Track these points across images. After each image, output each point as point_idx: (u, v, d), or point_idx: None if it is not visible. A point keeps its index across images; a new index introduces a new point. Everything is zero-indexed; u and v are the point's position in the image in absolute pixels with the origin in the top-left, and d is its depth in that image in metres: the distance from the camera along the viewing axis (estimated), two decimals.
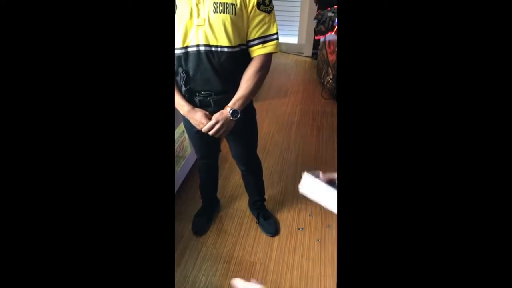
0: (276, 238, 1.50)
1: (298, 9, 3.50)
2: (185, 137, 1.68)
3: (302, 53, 3.70)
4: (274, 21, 1.02)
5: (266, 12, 0.99)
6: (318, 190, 0.59)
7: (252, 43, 1.02)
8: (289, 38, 3.71)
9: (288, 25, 3.62)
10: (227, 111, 1.02)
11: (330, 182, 0.61)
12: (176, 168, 1.62)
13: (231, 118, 1.03)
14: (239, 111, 1.03)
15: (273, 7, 1.01)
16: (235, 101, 1.02)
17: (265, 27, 1.00)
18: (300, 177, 0.62)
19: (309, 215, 1.62)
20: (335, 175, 0.62)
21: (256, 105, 1.24)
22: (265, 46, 1.02)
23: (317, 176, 0.61)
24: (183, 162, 1.69)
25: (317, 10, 3.11)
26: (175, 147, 1.59)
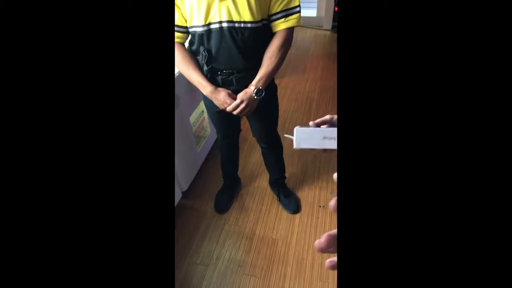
0: (298, 215, 1.52)
1: None
2: (204, 117, 1.68)
3: (322, 27, 3.55)
4: None
5: None
6: (312, 137, 0.55)
7: (274, 17, 0.98)
8: (307, 10, 3.55)
9: None
10: (251, 90, 1.01)
11: (322, 124, 0.58)
12: (197, 147, 1.64)
13: (255, 97, 1.01)
14: (263, 89, 1.01)
15: None
16: (259, 79, 1.00)
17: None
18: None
19: (331, 193, 1.62)
20: (326, 117, 0.58)
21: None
22: (287, 20, 0.98)
23: (307, 127, 0.58)
24: (204, 142, 1.71)
25: None
26: (195, 128, 1.60)
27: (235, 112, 1.04)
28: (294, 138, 0.56)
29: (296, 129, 0.56)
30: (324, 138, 0.54)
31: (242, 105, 1.02)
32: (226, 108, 1.04)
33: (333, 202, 0.33)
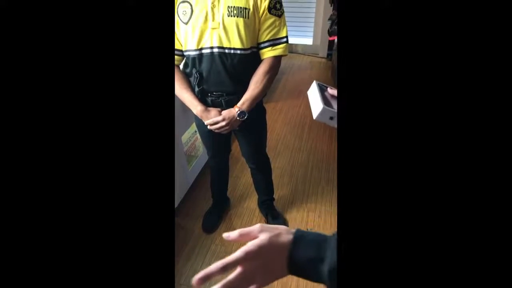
0: None
1: (313, 9, 3.50)
2: (197, 137, 1.72)
3: (317, 54, 3.69)
4: (284, 24, 1.05)
5: (276, 16, 1.01)
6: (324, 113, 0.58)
7: (262, 45, 1.04)
8: (304, 39, 3.70)
9: (303, 26, 3.62)
10: (235, 111, 1.06)
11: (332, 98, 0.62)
12: (188, 167, 1.67)
13: (237, 118, 1.06)
14: (246, 112, 1.06)
15: (284, 11, 1.03)
16: (243, 101, 1.06)
17: (275, 30, 1.02)
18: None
19: (319, 216, 1.62)
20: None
21: (269, 106, 1.26)
22: (275, 49, 1.04)
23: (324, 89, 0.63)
24: (195, 161, 1.74)
25: (332, 10, 3.10)
26: (187, 147, 1.63)
27: (213, 127, 1.08)
28: (313, 101, 0.60)
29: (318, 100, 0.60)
30: (331, 118, 0.59)
31: (223, 123, 1.06)
32: (214, 127, 1.08)
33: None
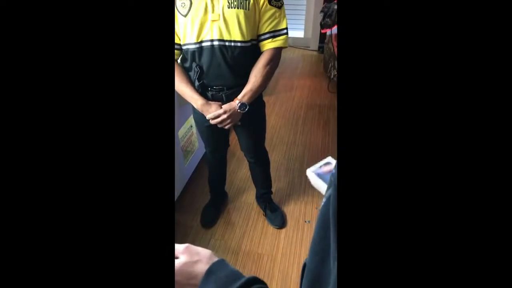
0: (283, 230, 1.53)
1: (304, 2, 3.48)
2: (193, 132, 1.70)
3: (309, 47, 3.68)
4: (284, 16, 1.04)
5: (276, 7, 1.00)
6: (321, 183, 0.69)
7: (262, 37, 1.03)
8: (295, 32, 3.69)
9: (294, 19, 3.59)
10: (235, 103, 1.05)
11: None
12: (184, 162, 1.65)
13: (238, 110, 1.05)
14: (247, 104, 1.05)
15: (283, 2, 1.02)
16: (244, 94, 1.05)
17: (275, 21, 1.01)
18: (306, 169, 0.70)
19: (316, 208, 1.64)
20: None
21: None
22: (275, 40, 1.03)
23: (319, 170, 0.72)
24: (191, 157, 1.72)
25: (324, 2, 3.09)
26: (183, 142, 1.61)
27: (214, 121, 1.07)
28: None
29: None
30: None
31: (224, 116, 1.06)
32: (216, 120, 1.07)
33: None
